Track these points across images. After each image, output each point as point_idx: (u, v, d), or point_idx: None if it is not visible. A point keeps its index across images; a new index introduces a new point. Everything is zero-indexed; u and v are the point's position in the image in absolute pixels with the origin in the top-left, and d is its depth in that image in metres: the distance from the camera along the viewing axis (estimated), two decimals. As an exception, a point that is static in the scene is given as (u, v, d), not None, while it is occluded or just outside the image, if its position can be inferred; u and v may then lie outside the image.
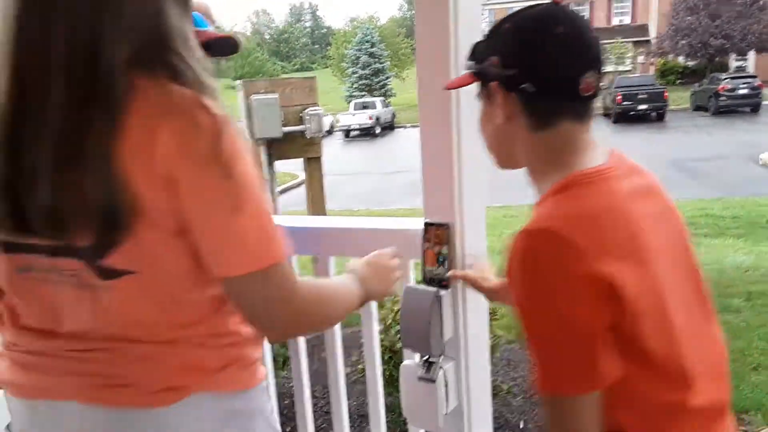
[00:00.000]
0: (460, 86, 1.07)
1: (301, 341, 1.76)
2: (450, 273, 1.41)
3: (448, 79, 1.38)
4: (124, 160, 0.81)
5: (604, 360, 0.84)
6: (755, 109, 21.07)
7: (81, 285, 0.90)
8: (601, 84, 0.94)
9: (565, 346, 0.85)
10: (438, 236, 1.45)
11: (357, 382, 2.82)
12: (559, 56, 0.90)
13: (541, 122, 0.95)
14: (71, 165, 0.81)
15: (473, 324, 1.51)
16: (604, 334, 0.84)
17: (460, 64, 1.37)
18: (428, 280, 1.47)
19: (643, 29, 35.98)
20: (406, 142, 21.45)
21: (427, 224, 1.47)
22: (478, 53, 0.99)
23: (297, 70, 63.97)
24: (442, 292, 1.42)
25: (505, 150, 1.03)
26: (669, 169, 12.11)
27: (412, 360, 1.51)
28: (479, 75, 0.99)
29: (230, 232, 0.88)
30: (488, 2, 33.12)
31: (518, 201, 9.33)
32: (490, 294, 1.39)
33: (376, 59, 39.67)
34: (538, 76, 0.91)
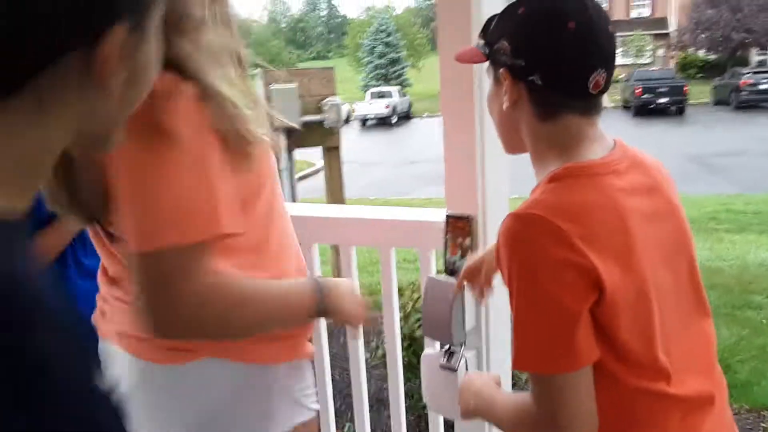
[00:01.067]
0: (471, 62, 1.06)
1: (323, 324, 1.78)
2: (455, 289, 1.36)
3: (470, 68, 1.38)
4: None
5: (583, 340, 0.85)
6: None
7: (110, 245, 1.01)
8: (611, 80, 0.94)
9: (544, 324, 0.86)
10: (460, 228, 1.47)
11: (375, 368, 2.85)
12: (568, 53, 0.89)
13: (547, 114, 0.94)
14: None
15: (495, 314, 1.53)
16: (585, 314, 0.85)
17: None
18: (450, 271, 1.49)
19: (662, 22, 35.48)
20: (423, 132, 21.38)
21: (448, 216, 1.48)
22: (489, 33, 0.98)
23: (313, 59, 63.83)
24: (464, 283, 1.44)
25: (510, 134, 1.03)
26: (689, 164, 11.97)
27: (433, 348, 1.53)
28: (490, 57, 0.98)
29: (133, 204, 0.85)
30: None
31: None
32: (487, 258, 1.29)
33: (392, 49, 39.49)
34: (547, 71, 0.91)
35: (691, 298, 0.99)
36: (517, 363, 0.90)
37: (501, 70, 0.95)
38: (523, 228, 0.87)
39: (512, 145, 1.05)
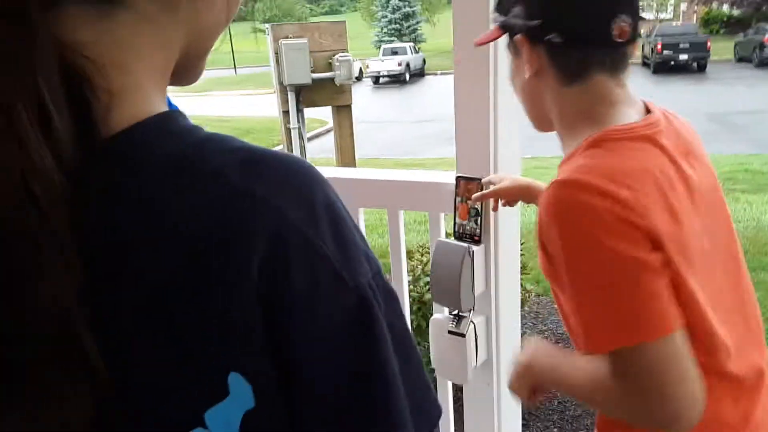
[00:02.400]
0: (489, 41, 1.00)
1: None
2: (475, 197, 1.39)
3: (485, 25, 1.32)
4: None
5: (668, 298, 0.77)
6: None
7: None
8: (638, 29, 0.86)
9: (627, 289, 0.76)
10: (470, 190, 1.43)
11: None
12: (584, 1, 0.84)
13: (572, 76, 0.88)
14: None
15: (504, 279, 1.50)
16: (662, 269, 0.77)
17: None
18: (459, 234, 1.46)
19: (687, -26, 34.31)
20: (437, 89, 21.10)
21: (458, 178, 1.44)
22: (503, 3, 0.92)
23: (325, 13, 62.76)
24: (474, 248, 1.41)
25: (538, 108, 0.96)
26: (707, 123, 11.71)
27: (442, 313, 1.52)
28: (505, 27, 0.92)
29: None
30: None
31: (548, 152, 9.18)
32: (523, 195, 1.30)
33: (407, 2, 38.64)
34: (565, 25, 0.84)
35: (731, 266, 0.94)
36: (597, 343, 0.79)
37: (517, 37, 0.89)
38: (573, 193, 0.79)
39: (543, 121, 0.98)
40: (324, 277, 0.39)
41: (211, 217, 0.38)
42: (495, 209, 1.41)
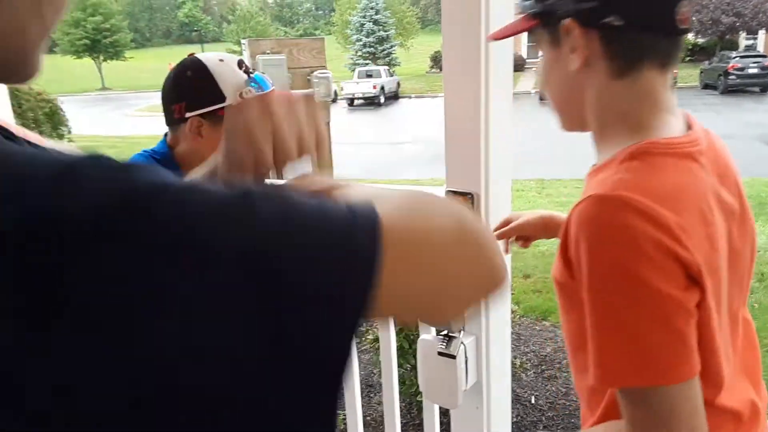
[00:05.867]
0: (514, 34, 0.91)
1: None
2: (497, 235, 1.29)
3: (477, 38, 1.29)
4: None
5: (694, 339, 0.71)
6: (765, 89, 20.80)
7: None
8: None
9: (655, 328, 0.70)
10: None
11: (364, 352, 2.78)
12: None
13: (625, 66, 0.80)
14: None
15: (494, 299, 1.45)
16: (694, 312, 0.71)
17: (491, 21, 1.28)
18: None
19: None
20: (411, 112, 21.24)
21: (448, 192, 1.39)
22: None
23: (300, 36, 63.11)
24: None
25: (574, 105, 0.88)
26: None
27: (429, 334, 1.45)
28: (544, 15, 0.84)
29: None
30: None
31: (524, 176, 9.25)
32: (543, 229, 1.24)
33: (381, 27, 39.07)
34: (626, 6, 0.77)
35: (738, 299, 0.87)
36: (608, 375, 0.73)
37: (566, 21, 0.81)
38: (614, 212, 0.71)
39: (574, 119, 0.90)
40: None
41: None
42: (507, 251, 1.31)
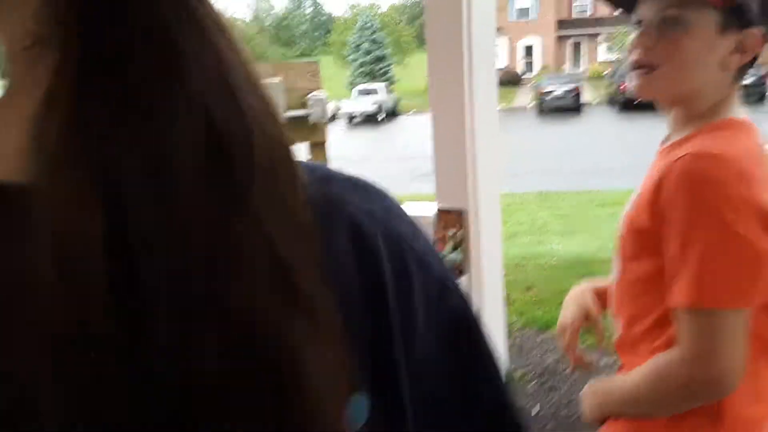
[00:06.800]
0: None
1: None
2: (566, 350, 1.23)
3: (461, 59, 1.33)
4: None
5: (761, 280, 0.85)
6: (761, 98, 20.89)
7: None
8: None
9: (731, 258, 0.84)
10: (451, 222, 1.42)
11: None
12: None
13: (752, 62, 0.96)
14: None
15: (489, 312, 1.48)
16: (766, 255, 0.85)
17: (473, 41, 1.32)
18: (441, 266, 1.44)
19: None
20: (410, 129, 21.35)
21: (440, 210, 1.43)
22: None
23: (298, 57, 63.61)
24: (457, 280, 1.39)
25: (698, 89, 0.97)
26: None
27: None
28: (739, 12, 0.93)
29: None
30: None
31: (521, 188, 9.27)
32: (596, 299, 1.22)
33: (378, 46, 39.39)
34: None
35: None
36: (700, 297, 0.85)
37: (755, 29, 0.93)
38: (710, 167, 0.85)
39: (686, 100, 0.99)
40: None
41: None
42: (578, 362, 1.23)
